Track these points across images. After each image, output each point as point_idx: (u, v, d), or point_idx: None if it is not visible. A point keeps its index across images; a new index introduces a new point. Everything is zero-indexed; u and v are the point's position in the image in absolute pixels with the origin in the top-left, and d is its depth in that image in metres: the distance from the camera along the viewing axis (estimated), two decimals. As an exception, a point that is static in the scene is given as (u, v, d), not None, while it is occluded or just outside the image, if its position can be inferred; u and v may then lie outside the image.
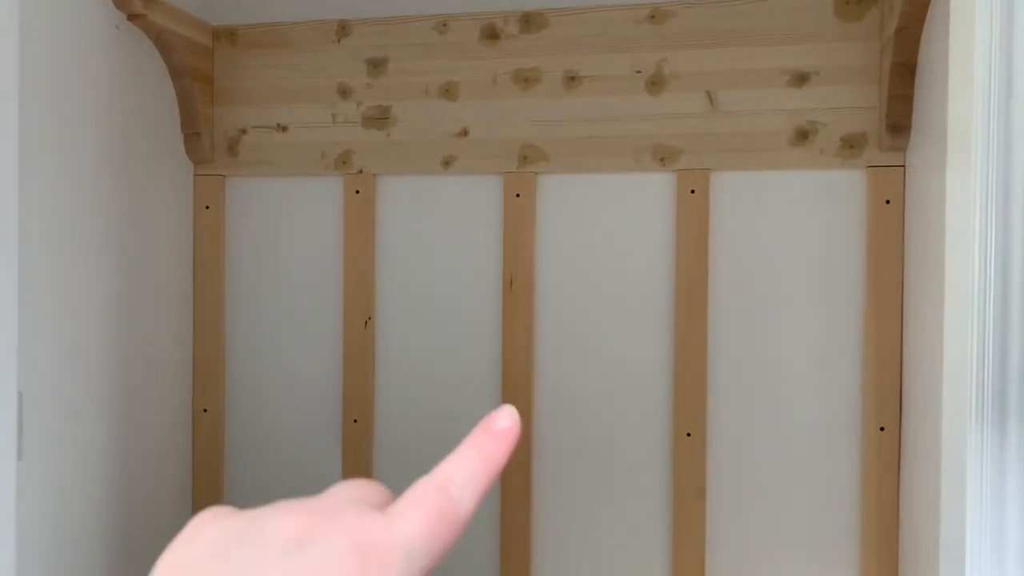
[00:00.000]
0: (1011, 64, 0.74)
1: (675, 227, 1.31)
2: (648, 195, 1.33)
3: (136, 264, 1.32)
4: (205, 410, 1.47)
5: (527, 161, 1.35)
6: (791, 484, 1.28)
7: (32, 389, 1.10)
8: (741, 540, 1.30)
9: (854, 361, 1.26)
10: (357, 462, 1.41)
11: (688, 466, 1.30)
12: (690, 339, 1.30)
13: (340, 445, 1.43)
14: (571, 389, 1.35)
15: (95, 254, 1.22)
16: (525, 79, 1.35)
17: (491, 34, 1.37)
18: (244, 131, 1.46)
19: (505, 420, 0.32)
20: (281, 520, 0.29)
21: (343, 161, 1.42)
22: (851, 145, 1.25)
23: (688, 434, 1.30)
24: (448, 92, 1.38)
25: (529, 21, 1.35)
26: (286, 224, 1.46)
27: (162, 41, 1.34)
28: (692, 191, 1.30)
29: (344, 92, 1.42)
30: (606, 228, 1.34)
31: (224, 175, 1.47)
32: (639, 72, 1.31)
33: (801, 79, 1.26)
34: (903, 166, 1.22)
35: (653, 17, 1.31)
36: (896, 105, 1.18)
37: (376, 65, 1.41)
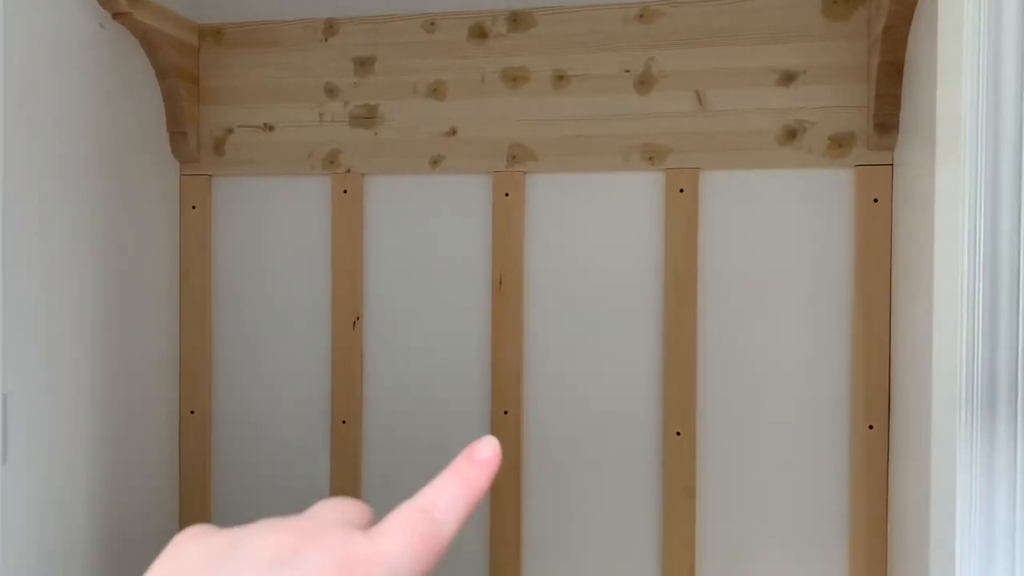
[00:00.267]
0: (999, 63, 0.75)
1: (664, 226, 1.31)
2: (637, 194, 1.33)
3: (122, 265, 1.30)
4: (192, 411, 1.46)
5: (516, 160, 1.35)
6: (780, 482, 1.28)
7: (17, 391, 1.08)
8: (731, 538, 1.30)
9: (843, 359, 1.26)
10: (345, 463, 1.40)
11: (678, 465, 1.30)
12: (679, 338, 1.30)
13: (328, 446, 1.42)
14: (560, 388, 1.35)
15: (80, 255, 1.21)
16: (513, 78, 1.35)
17: (479, 33, 1.36)
18: (231, 130, 1.45)
19: (487, 451, 0.33)
20: (265, 538, 0.29)
21: (330, 160, 1.41)
22: (839, 144, 1.25)
23: (678, 433, 1.30)
24: (436, 91, 1.37)
25: (517, 20, 1.35)
26: (273, 224, 1.45)
27: (148, 40, 1.33)
28: (681, 190, 1.30)
29: (331, 91, 1.41)
30: (595, 227, 1.34)
31: (210, 175, 1.46)
32: (628, 71, 1.31)
33: (789, 78, 1.26)
34: (891, 165, 1.23)
35: (641, 16, 1.31)
36: (884, 104, 1.18)
37: (363, 64, 1.40)
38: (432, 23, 1.38)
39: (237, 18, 1.45)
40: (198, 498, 1.45)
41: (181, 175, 1.46)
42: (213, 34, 1.45)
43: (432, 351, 1.39)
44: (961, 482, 0.77)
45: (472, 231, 1.38)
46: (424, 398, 1.39)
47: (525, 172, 1.35)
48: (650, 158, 1.31)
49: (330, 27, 1.41)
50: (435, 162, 1.38)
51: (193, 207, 1.46)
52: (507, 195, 1.35)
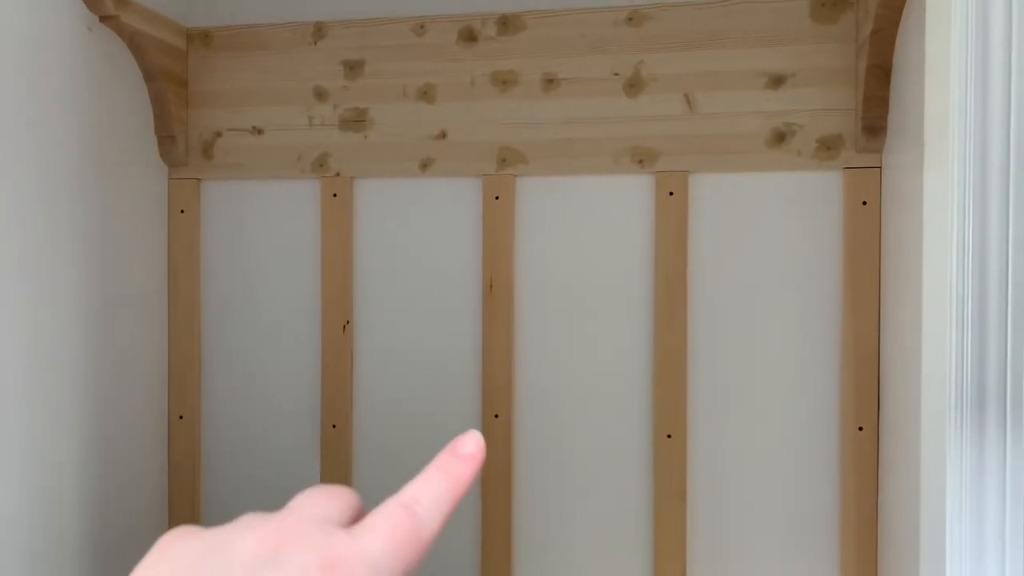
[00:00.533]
0: (986, 65, 0.75)
1: (654, 229, 1.31)
2: (627, 197, 1.33)
3: (109, 269, 1.30)
4: (181, 416, 1.45)
5: (506, 163, 1.35)
6: (771, 485, 1.29)
7: (2, 397, 1.08)
8: (722, 541, 1.30)
9: (832, 361, 1.27)
10: (335, 467, 1.40)
11: (669, 468, 1.30)
12: (670, 341, 1.30)
13: (318, 450, 1.41)
14: (551, 392, 1.35)
15: (67, 259, 1.20)
16: (503, 81, 1.35)
17: (469, 36, 1.36)
18: (219, 134, 1.45)
19: (471, 445, 0.33)
20: (247, 538, 0.29)
21: (320, 164, 1.41)
22: (828, 147, 1.25)
23: (669, 436, 1.30)
24: (426, 94, 1.37)
25: (507, 23, 1.35)
26: (262, 228, 1.45)
27: (135, 43, 1.32)
28: (671, 193, 1.30)
29: (320, 94, 1.41)
30: (585, 230, 1.34)
31: (199, 179, 1.46)
32: (617, 74, 1.31)
33: (777, 81, 1.27)
34: (879, 167, 1.23)
35: (631, 19, 1.31)
36: (872, 107, 1.19)
37: (353, 67, 1.40)
38: (421, 26, 1.37)
39: (225, 21, 1.44)
40: (187, 503, 1.44)
41: (169, 179, 1.46)
42: (201, 37, 1.45)
43: (422, 355, 1.39)
44: (951, 483, 0.77)
45: (462, 234, 1.38)
46: (414, 402, 1.39)
47: (515, 175, 1.35)
48: (640, 161, 1.31)
49: (319, 30, 1.41)
50: (425, 165, 1.37)
51: (181, 211, 1.45)
52: (497, 198, 1.35)
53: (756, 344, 1.29)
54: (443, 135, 1.37)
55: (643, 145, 1.31)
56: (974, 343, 0.76)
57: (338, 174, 1.40)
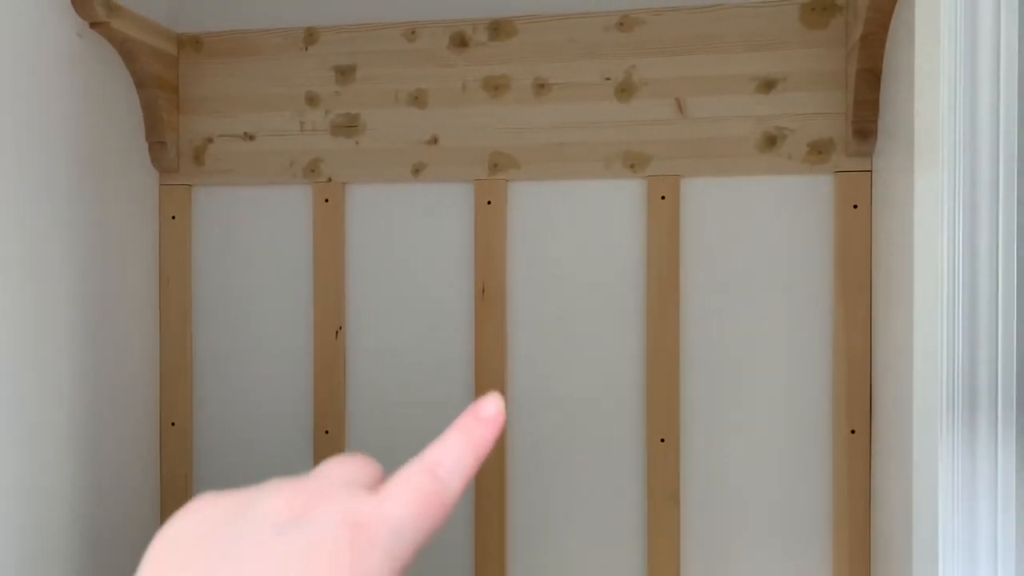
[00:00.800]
0: (975, 69, 0.75)
1: (646, 233, 1.32)
2: (619, 201, 1.33)
3: (101, 276, 1.29)
4: (173, 423, 1.44)
5: (497, 168, 1.35)
6: (764, 488, 1.29)
7: (-8, 405, 1.07)
8: (715, 544, 1.30)
9: (824, 364, 1.27)
10: (329, 474, 1.39)
11: (662, 471, 1.30)
12: (662, 344, 1.30)
13: (311, 457, 1.41)
14: (544, 396, 1.35)
15: (59, 266, 1.20)
16: (495, 86, 1.35)
17: (460, 41, 1.36)
18: (210, 140, 1.44)
19: (491, 407, 0.33)
20: (274, 498, 0.29)
21: (311, 170, 1.41)
22: (819, 151, 1.26)
23: (662, 439, 1.30)
24: (417, 99, 1.37)
25: (498, 28, 1.35)
26: (254, 234, 1.44)
27: (126, 49, 1.32)
28: (662, 197, 1.30)
29: (312, 100, 1.41)
30: (577, 235, 1.34)
31: (190, 185, 1.45)
32: (608, 79, 1.32)
33: (768, 85, 1.27)
34: (870, 171, 1.24)
35: (622, 24, 1.31)
36: (862, 110, 1.19)
37: (344, 73, 1.40)
38: (413, 32, 1.37)
39: (216, 27, 1.44)
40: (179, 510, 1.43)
41: (160, 185, 1.45)
42: (192, 43, 1.45)
43: (415, 360, 1.39)
44: (943, 485, 0.77)
45: (454, 239, 1.38)
46: (407, 407, 1.39)
47: (507, 180, 1.35)
48: (631, 165, 1.31)
49: (310, 36, 1.41)
50: (417, 170, 1.37)
51: (173, 217, 1.45)
52: (489, 203, 1.35)
53: (748, 348, 1.29)
54: (435, 140, 1.37)
55: (634, 149, 1.31)
56: (965, 345, 0.76)
57: (330, 179, 1.40)
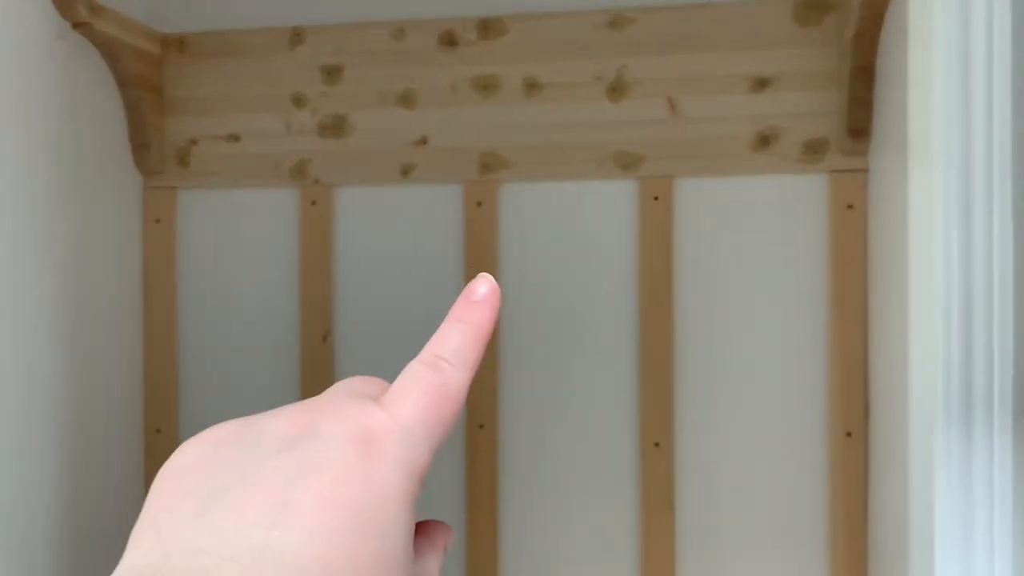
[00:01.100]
0: (969, 67, 0.74)
1: (639, 234, 1.30)
2: (611, 202, 1.31)
3: (84, 280, 1.27)
4: (158, 430, 1.42)
5: (488, 169, 1.33)
6: (760, 492, 1.27)
7: (-29, 413, 1.05)
8: (711, 549, 1.29)
9: (819, 367, 1.25)
10: (318, 480, 1.37)
11: (656, 476, 1.29)
12: (655, 347, 1.28)
13: (300, 463, 1.39)
14: (536, 400, 1.33)
15: (40, 270, 1.18)
16: (485, 86, 1.33)
17: (449, 41, 1.34)
18: (195, 141, 1.42)
19: (484, 286, 0.33)
20: (279, 419, 0.29)
21: (298, 171, 1.39)
22: (813, 150, 1.24)
23: (656, 444, 1.28)
24: (406, 100, 1.35)
25: (488, 27, 1.33)
26: (240, 237, 1.42)
27: (109, 50, 1.30)
28: (655, 198, 1.29)
29: (299, 101, 1.39)
30: (569, 236, 1.33)
31: (175, 187, 1.43)
32: (600, 78, 1.30)
33: (761, 84, 1.26)
34: (865, 170, 1.22)
35: (613, 23, 1.30)
36: (856, 109, 1.18)
37: (331, 73, 1.38)
38: (401, 31, 1.36)
39: (201, 27, 1.42)
40: (165, 519, 1.41)
41: (144, 188, 1.43)
42: (176, 44, 1.43)
43: (404, 365, 1.37)
44: (940, 488, 0.76)
45: (445, 241, 1.36)
46: (397, 412, 1.37)
47: (498, 181, 1.33)
48: (624, 166, 1.30)
49: (297, 35, 1.39)
50: (406, 172, 1.36)
51: (157, 220, 1.43)
52: (480, 204, 1.33)
53: (742, 350, 1.28)
54: (424, 141, 1.35)
55: (627, 150, 1.29)
56: (961, 347, 0.75)
57: (317, 181, 1.38)
